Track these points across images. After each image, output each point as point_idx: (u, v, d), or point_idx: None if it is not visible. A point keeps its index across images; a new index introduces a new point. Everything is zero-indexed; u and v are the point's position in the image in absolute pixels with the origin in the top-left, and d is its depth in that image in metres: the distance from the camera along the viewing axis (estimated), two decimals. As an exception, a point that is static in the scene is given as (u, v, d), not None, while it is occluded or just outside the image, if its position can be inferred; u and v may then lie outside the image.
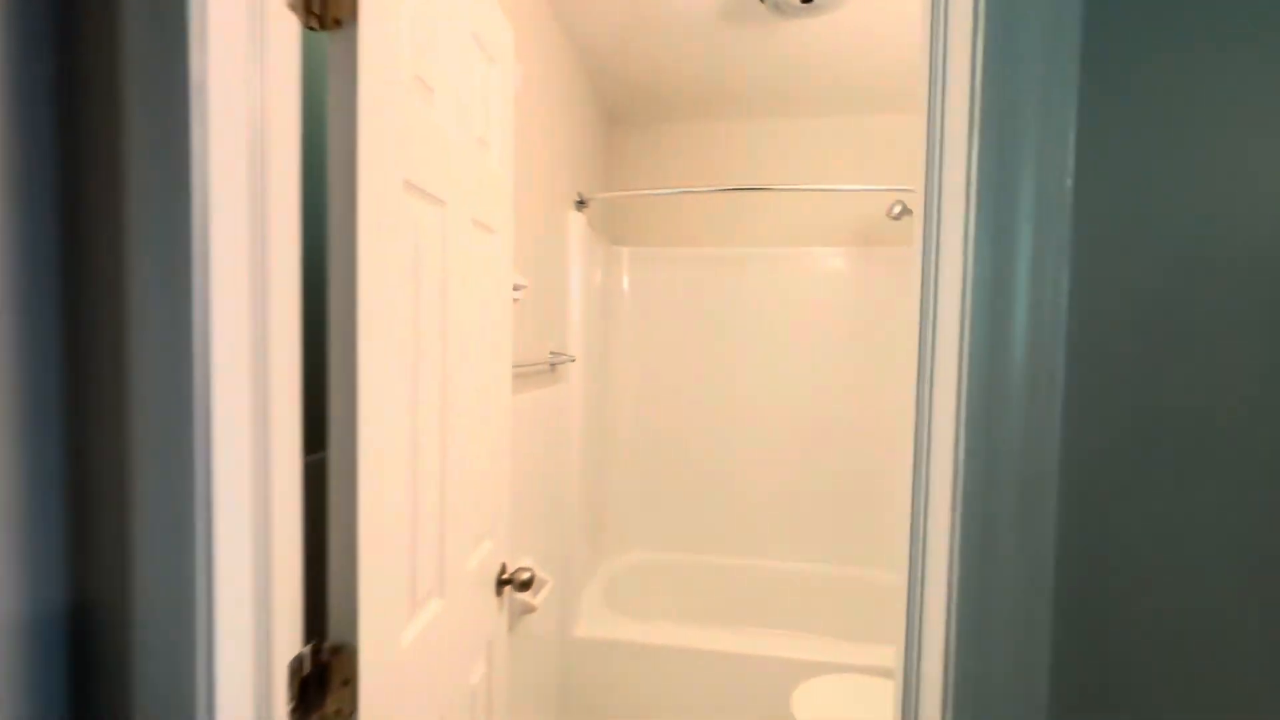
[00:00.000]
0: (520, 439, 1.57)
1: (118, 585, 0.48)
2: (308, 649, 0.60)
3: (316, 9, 0.58)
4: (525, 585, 1.13)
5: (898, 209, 2.32)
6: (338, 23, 0.60)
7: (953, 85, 0.59)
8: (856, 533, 2.70)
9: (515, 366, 1.46)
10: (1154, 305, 0.57)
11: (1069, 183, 0.56)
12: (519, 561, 1.26)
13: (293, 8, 0.54)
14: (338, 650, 0.63)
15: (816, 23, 1.88)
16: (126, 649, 0.48)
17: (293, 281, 0.54)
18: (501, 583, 1.11)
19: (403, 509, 0.74)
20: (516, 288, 1.48)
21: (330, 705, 0.61)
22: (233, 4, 0.47)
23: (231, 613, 0.48)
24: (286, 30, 0.53)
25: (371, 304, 0.64)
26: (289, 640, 0.55)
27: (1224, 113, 0.56)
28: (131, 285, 0.46)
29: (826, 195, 2.66)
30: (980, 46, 0.56)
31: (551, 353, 1.91)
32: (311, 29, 0.58)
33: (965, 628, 0.59)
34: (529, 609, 1.33)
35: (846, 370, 2.66)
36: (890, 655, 1.95)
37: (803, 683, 1.77)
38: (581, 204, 2.15)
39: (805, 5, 1.75)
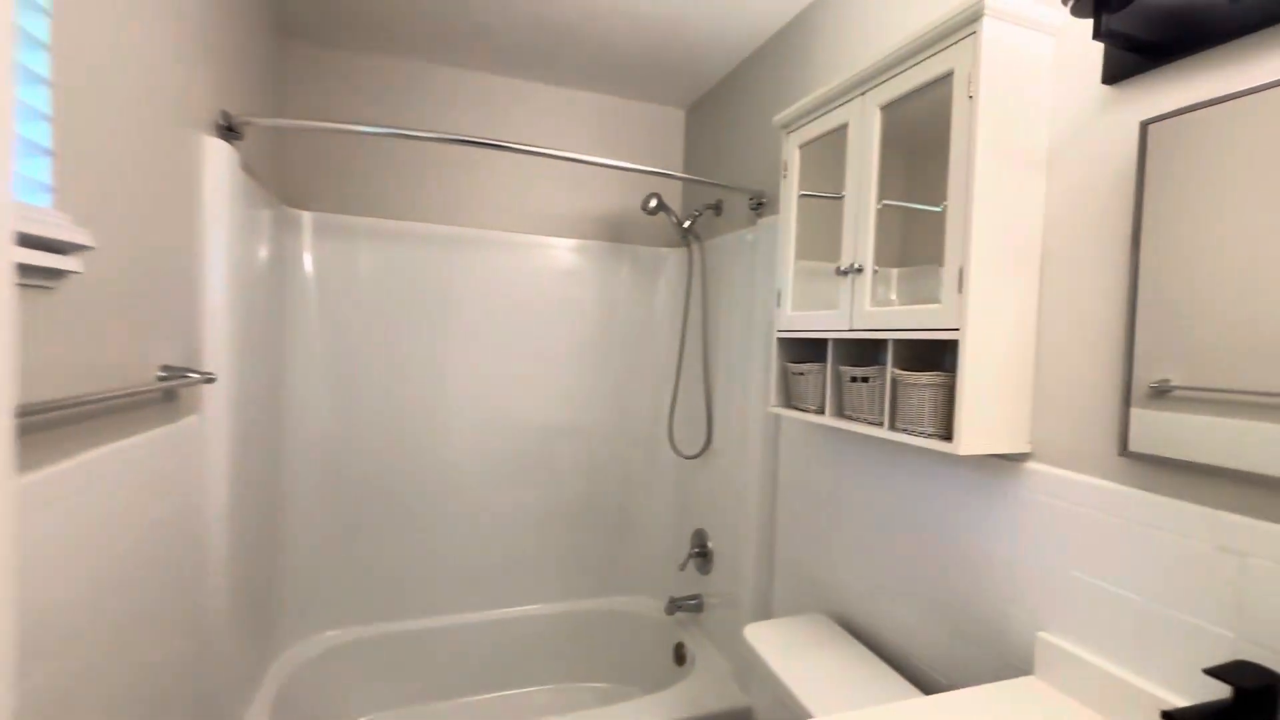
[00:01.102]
0: (84, 532, 0.82)
1: None
2: None
3: None
4: None
5: (653, 202, 2.10)
6: None
7: None
8: (602, 561, 2.43)
9: (44, 407, 0.72)
10: None
11: None
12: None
13: None
14: None
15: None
16: None
17: None
18: None
19: None
20: (39, 247, 0.75)
21: None
22: None
23: None
24: None
25: None
26: None
27: None
28: None
29: (570, 180, 2.32)
30: None
31: (165, 368, 1.14)
32: None
33: None
34: None
35: (586, 379, 2.36)
36: (667, 698, 1.70)
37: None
38: (230, 131, 1.37)
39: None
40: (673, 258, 2.43)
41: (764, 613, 1.80)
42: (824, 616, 1.45)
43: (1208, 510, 0.79)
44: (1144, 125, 0.85)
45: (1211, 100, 0.77)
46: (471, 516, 2.24)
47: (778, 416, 1.76)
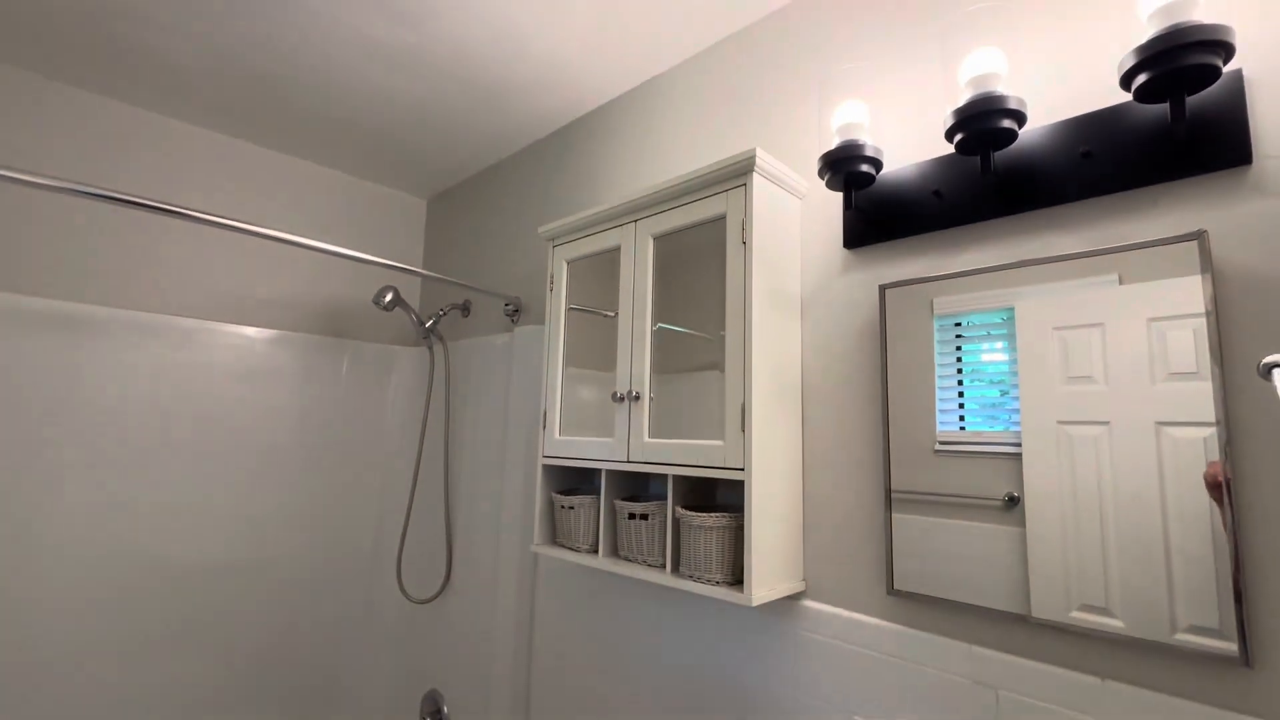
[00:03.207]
0: None
1: None
2: None
3: None
4: None
5: (389, 296, 1.80)
6: None
7: None
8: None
9: None
10: None
11: None
12: None
13: None
14: None
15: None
16: None
17: None
18: None
19: None
20: None
21: None
22: None
23: None
24: None
25: None
26: None
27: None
28: None
29: (276, 261, 1.88)
30: None
31: None
32: None
33: None
34: None
35: (280, 503, 1.84)
36: None
37: None
38: None
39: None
40: (407, 357, 2.11)
41: (517, 793, 1.49)
42: (596, 797, 1.23)
43: (963, 644, 0.84)
44: (882, 289, 0.97)
45: (926, 278, 0.92)
46: (82, 709, 1.45)
47: (535, 554, 1.56)
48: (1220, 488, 0.66)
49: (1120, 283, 0.75)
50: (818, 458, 1.05)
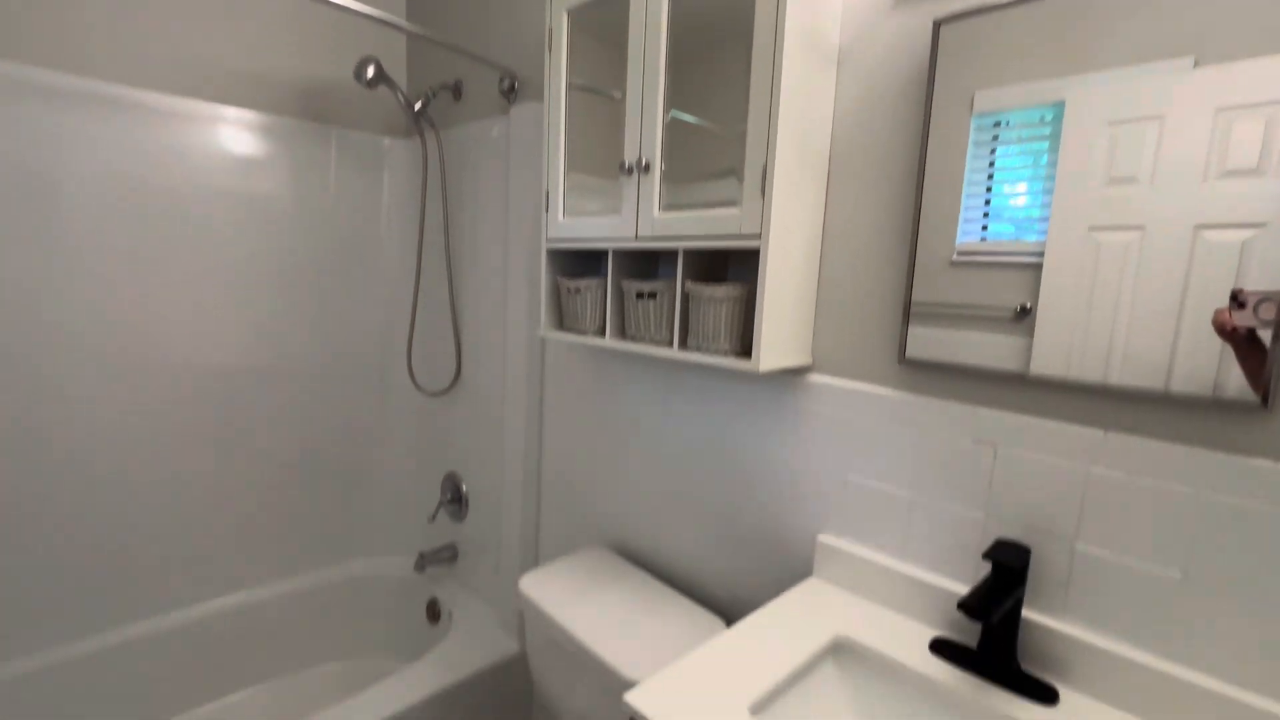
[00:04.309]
0: None
1: None
2: None
3: None
4: None
5: (371, 70, 1.61)
6: None
7: None
8: (327, 526, 2.01)
9: None
10: None
11: None
12: None
13: None
14: None
15: None
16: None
17: None
18: None
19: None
20: None
21: None
22: None
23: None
24: None
25: None
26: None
27: None
28: None
29: (233, 19, 1.66)
30: None
31: None
32: None
33: None
34: None
35: (284, 304, 1.83)
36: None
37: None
38: None
39: None
40: (400, 149, 1.97)
41: (531, 551, 1.66)
42: (604, 549, 1.37)
43: (968, 407, 0.85)
44: (936, 24, 0.83)
45: (995, 3, 0.78)
46: (118, 497, 1.59)
47: (543, 340, 1.57)
48: (1230, 333, 0.64)
49: (1195, 65, 0.65)
50: (838, 238, 0.98)
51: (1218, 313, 0.64)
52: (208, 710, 1.74)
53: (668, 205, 1.04)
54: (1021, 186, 0.78)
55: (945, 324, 0.85)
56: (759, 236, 0.89)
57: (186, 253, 1.62)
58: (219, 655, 1.77)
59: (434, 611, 1.95)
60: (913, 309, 0.88)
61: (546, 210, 1.25)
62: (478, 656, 1.61)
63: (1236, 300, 0.63)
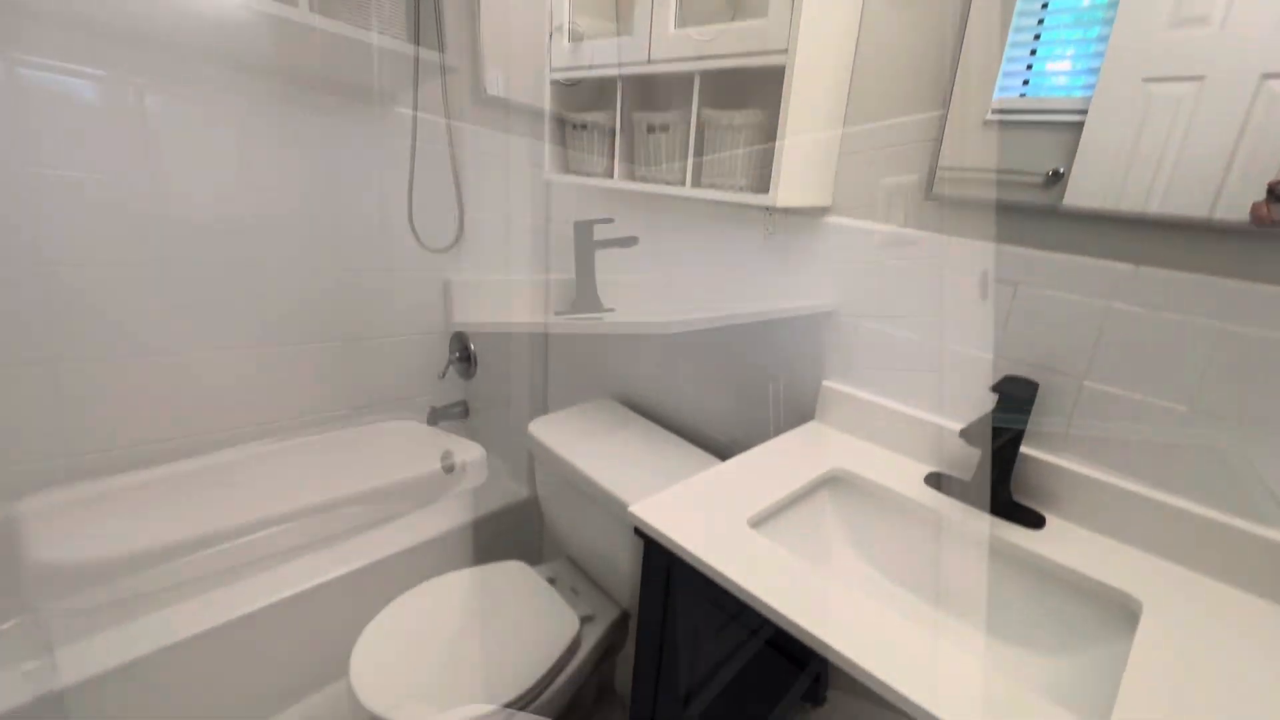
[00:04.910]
0: None
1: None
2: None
3: None
4: None
5: None
6: None
7: None
8: (339, 383, 2.05)
9: None
10: None
11: None
12: None
13: None
14: None
15: None
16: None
17: None
18: None
19: None
20: None
21: None
22: None
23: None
24: None
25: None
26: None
27: None
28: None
29: None
30: None
31: None
32: None
33: None
34: None
35: (266, 157, 1.73)
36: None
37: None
38: None
39: None
40: (386, -22, 1.76)
41: (540, 407, 1.71)
42: (612, 401, 1.40)
43: (993, 245, 0.81)
44: None
45: None
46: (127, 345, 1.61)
47: (549, 186, 1.50)
48: (1270, 225, 0.60)
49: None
50: (869, 73, 0.89)
51: (1255, 205, 0.60)
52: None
53: (684, 22, 0.93)
54: (1074, 33, 0.70)
55: (969, 187, 0.80)
56: (785, 51, 0.80)
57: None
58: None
59: (449, 465, 2.05)
60: (938, 174, 0.82)
61: (550, 36, 1.14)
62: (491, 499, 1.71)
63: (1274, 193, 0.59)
